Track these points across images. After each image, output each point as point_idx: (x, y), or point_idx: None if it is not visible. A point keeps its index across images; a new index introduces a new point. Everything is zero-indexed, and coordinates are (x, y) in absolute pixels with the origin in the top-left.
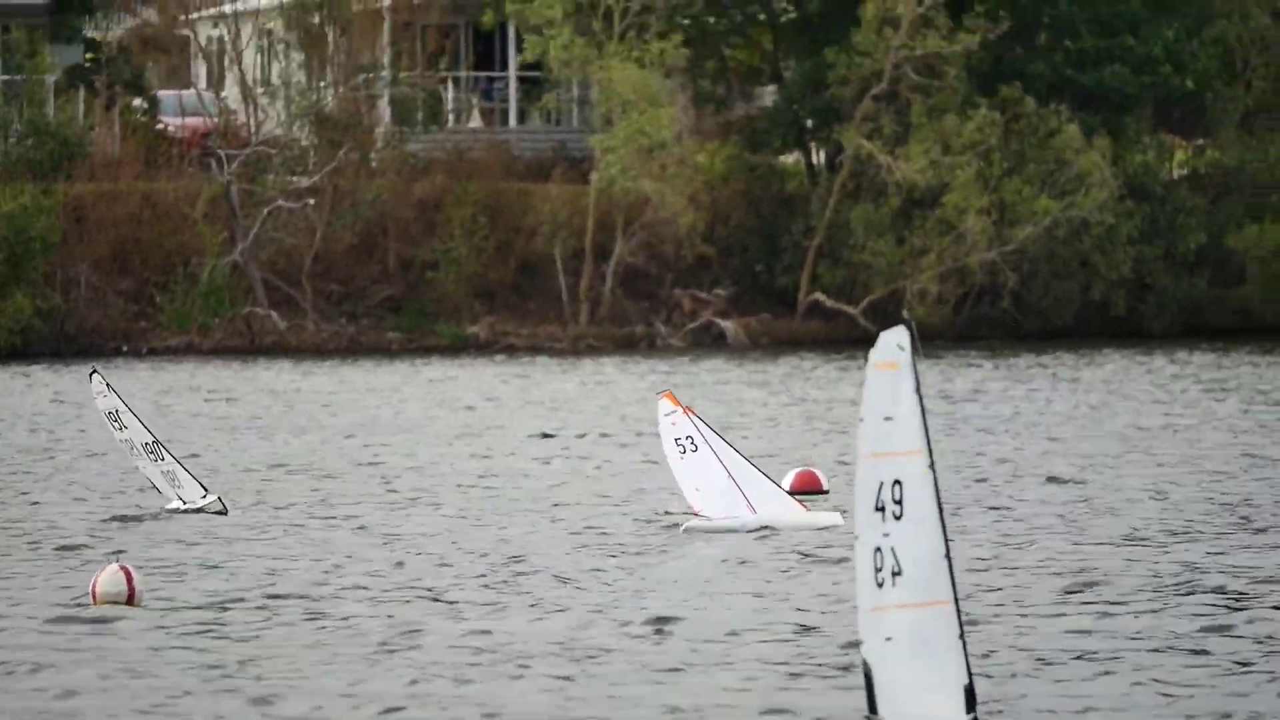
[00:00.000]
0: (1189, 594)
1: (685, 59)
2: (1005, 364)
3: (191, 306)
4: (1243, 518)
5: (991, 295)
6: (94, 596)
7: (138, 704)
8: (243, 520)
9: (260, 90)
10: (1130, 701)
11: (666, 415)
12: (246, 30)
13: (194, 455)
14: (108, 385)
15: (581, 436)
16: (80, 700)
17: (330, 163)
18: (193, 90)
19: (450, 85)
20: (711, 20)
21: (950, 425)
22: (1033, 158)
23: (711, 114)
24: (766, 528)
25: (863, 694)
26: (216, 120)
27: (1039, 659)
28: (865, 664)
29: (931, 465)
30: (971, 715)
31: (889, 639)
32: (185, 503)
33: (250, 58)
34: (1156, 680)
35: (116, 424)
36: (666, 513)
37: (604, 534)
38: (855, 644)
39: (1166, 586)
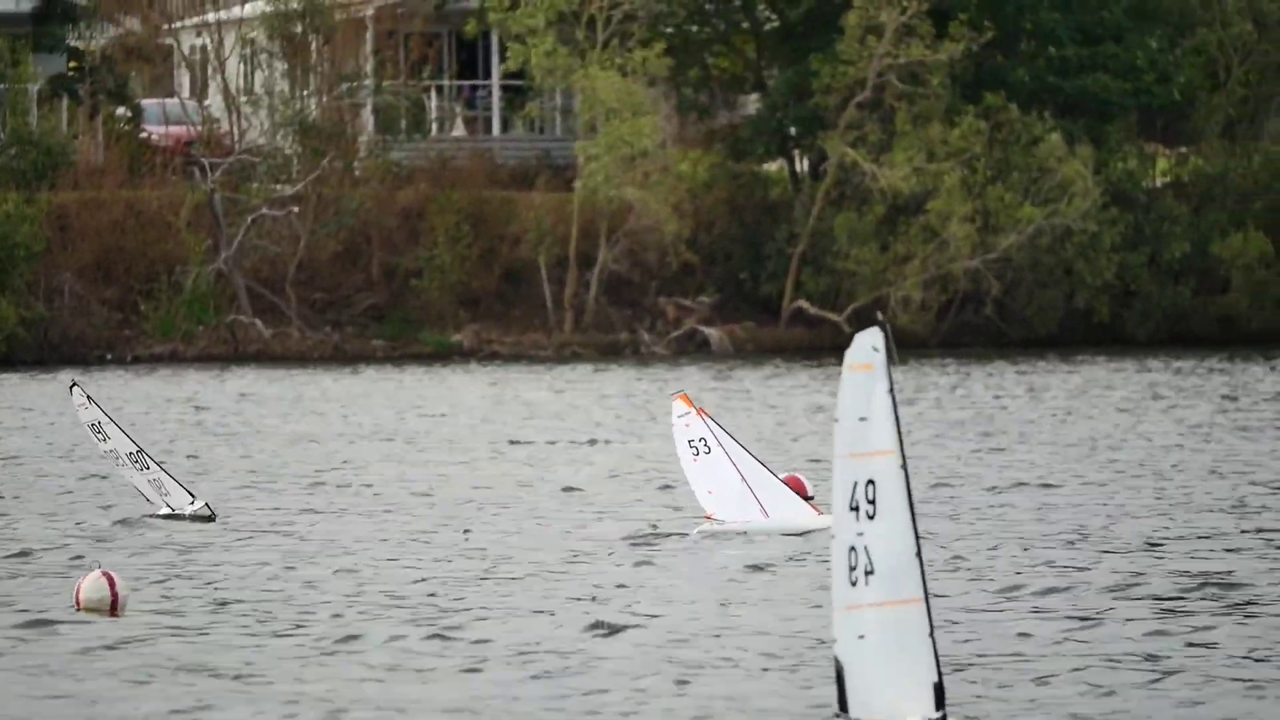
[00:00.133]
0: (1140, 598)
1: (668, 68)
2: (973, 369)
3: (175, 315)
4: (1184, 522)
5: (975, 303)
6: (77, 603)
7: (93, 708)
8: (227, 527)
9: (243, 99)
10: (1093, 704)
11: (680, 417)
12: (229, 39)
13: (193, 456)
14: (88, 397)
15: (552, 443)
16: (26, 704)
17: (314, 171)
18: (176, 99)
19: (433, 94)
20: (694, 29)
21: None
22: (1016, 165)
23: (695, 122)
24: (779, 531)
25: (833, 692)
26: (200, 129)
27: (1002, 660)
28: (837, 662)
29: (904, 465)
30: (941, 713)
31: (862, 637)
32: (174, 510)
33: (233, 67)
34: (1116, 681)
35: (100, 435)
36: (654, 526)
37: (569, 537)
38: (826, 642)
39: (1119, 590)
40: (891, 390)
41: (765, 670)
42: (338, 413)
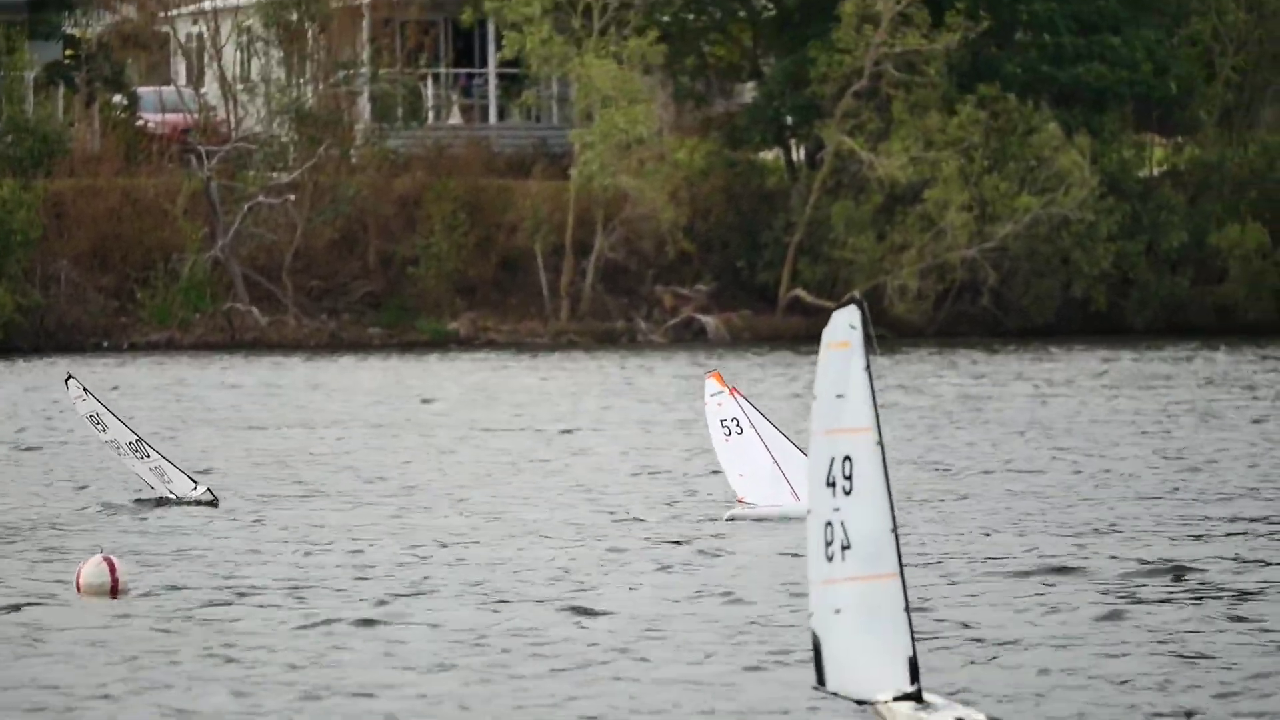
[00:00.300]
0: (1120, 579)
1: (662, 55)
2: (960, 358)
3: (172, 302)
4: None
5: (972, 292)
6: (78, 587)
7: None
8: (226, 512)
9: (240, 87)
10: (1067, 680)
11: (713, 396)
12: (226, 27)
13: (206, 451)
14: (84, 389)
15: (539, 431)
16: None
17: (310, 159)
18: (172, 86)
19: (430, 82)
20: (691, 17)
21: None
22: (1013, 155)
23: (691, 110)
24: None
25: (810, 669)
26: (196, 116)
27: (980, 638)
28: (814, 636)
29: (880, 442)
30: (915, 686)
31: (838, 611)
32: (177, 496)
33: (230, 54)
34: (1094, 665)
35: (99, 426)
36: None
37: (550, 523)
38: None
39: (1102, 574)
40: (868, 368)
41: (744, 647)
42: (332, 399)
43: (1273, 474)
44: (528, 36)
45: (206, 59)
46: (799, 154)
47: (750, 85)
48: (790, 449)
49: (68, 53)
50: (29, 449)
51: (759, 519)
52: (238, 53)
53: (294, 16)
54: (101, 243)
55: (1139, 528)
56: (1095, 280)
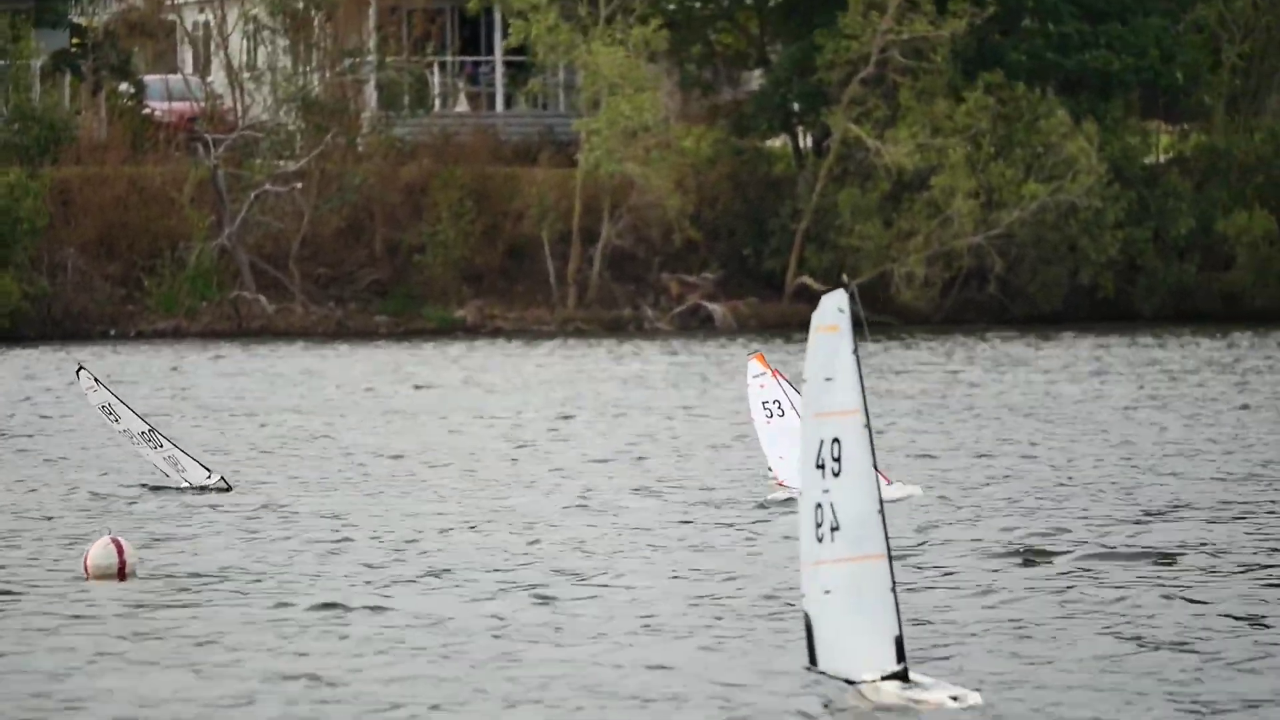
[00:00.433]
0: (1107, 560)
1: (666, 42)
2: (956, 345)
3: (179, 290)
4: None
5: (979, 279)
6: (86, 569)
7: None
8: (237, 498)
9: (246, 75)
10: (1053, 662)
11: (755, 377)
12: (232, 15)
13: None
14: (95, 380)
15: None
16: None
17: (317, 147)
18: (179, 75)
19: (436, 70)
20: (697, 5)
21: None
22: (1020, 142)
23: (698, 98)
24: None
25: (803, 649)
26: (203, 105)
27: (965, 620)
28: (806, 616)
29: (868, 425)
30: (902, 665)
31: (828, 591)
32: (191, 485)
33: (236, 43)
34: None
35: (111, 416)
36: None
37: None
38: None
39: (1088, 556)
40: (856, 351)
41: (741, 631)
42: (343, 388)
43: (1254, 460)
44: (534, 24)
45: (213, 47)
46: (806, 141)
47: (757, 73)
48: None
49: (74, 41)
50: (30, 435)
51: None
52: (244, 41)
53: (300, 4)
54: (108, 231)
55: (1124, 512)
56: (1103, 267)
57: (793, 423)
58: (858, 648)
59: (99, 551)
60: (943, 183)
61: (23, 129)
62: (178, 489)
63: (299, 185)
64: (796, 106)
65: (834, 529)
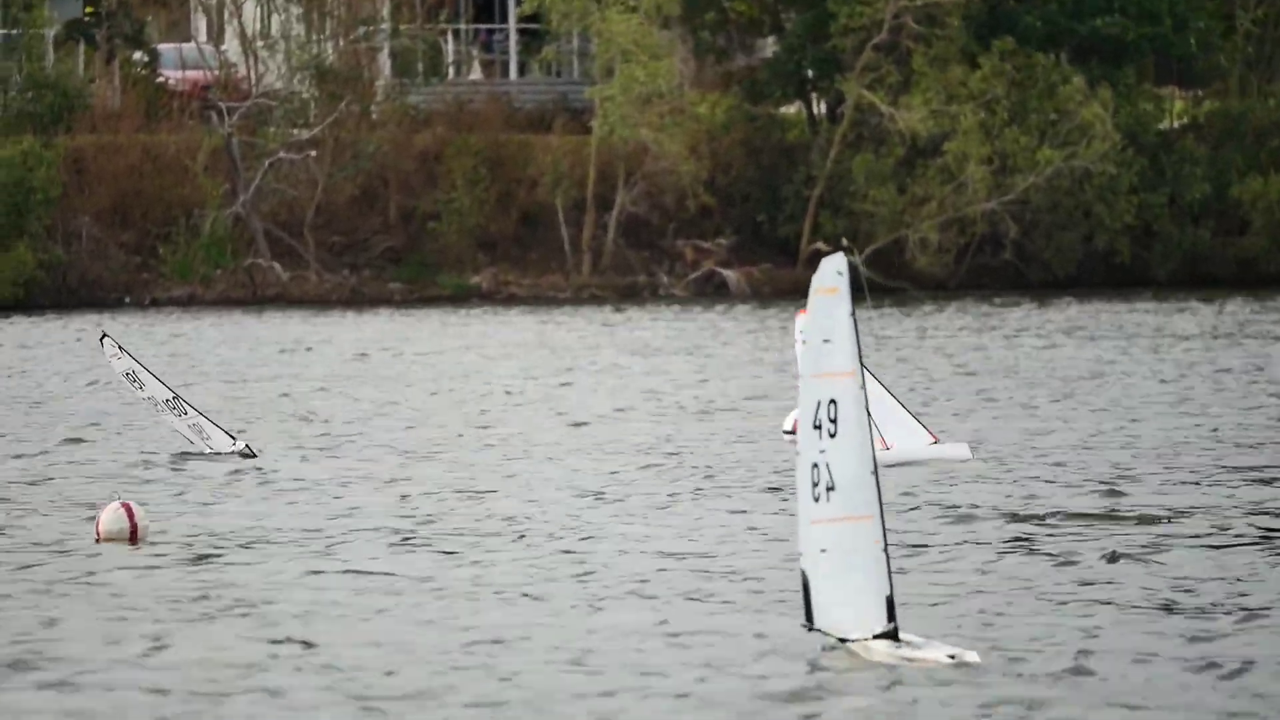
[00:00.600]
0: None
1: (680, 8)
2: (958, 309)
3: (193, 258)
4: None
5: (994, 245)
6: (98, 534)
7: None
8: (250, 465)
9: (260, 43)
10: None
11: (802, 333)
12: None
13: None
14: (119, 347)
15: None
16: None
17: (331, 115)
18: (193, 43)
19: (450, 37)
20: None
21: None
22: (1034, 108)
23: (712, 65)
24: (897, 463)
25: (800, 611)
26: (217, 73)
27: (957, 584)
28: (803, 575)
29: (863, 386)
30: (892, 624)
31: (823, 550)
32: (216, 452)
33: (250, 11)
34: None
35: (135, 384)
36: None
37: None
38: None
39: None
40: (853, 314)
41: (737, 595)
42: (361, 355)
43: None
44: None
45: (226, 15)
46: (820, 108)
47: (771, 39)
48: (882, 392)
49: (88, 9)
50: (41, 401)
51: None
52: (258, 9)
53: None
54: (122, 199)
55: (1117, 474)
56: (1117, 233)
57: None
58: (851, 606)
59: (110, 516)
60: (956, 149)
61: (36, 97)
62: (200, 456)
63: (313, 153)
64: (810, 73)
65: (830, 489)
